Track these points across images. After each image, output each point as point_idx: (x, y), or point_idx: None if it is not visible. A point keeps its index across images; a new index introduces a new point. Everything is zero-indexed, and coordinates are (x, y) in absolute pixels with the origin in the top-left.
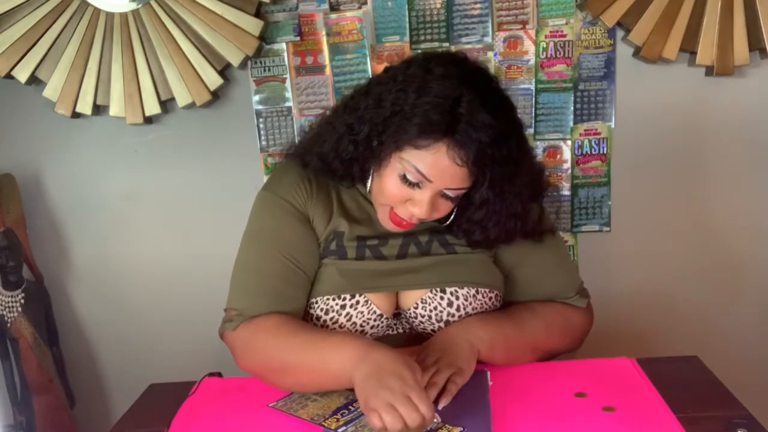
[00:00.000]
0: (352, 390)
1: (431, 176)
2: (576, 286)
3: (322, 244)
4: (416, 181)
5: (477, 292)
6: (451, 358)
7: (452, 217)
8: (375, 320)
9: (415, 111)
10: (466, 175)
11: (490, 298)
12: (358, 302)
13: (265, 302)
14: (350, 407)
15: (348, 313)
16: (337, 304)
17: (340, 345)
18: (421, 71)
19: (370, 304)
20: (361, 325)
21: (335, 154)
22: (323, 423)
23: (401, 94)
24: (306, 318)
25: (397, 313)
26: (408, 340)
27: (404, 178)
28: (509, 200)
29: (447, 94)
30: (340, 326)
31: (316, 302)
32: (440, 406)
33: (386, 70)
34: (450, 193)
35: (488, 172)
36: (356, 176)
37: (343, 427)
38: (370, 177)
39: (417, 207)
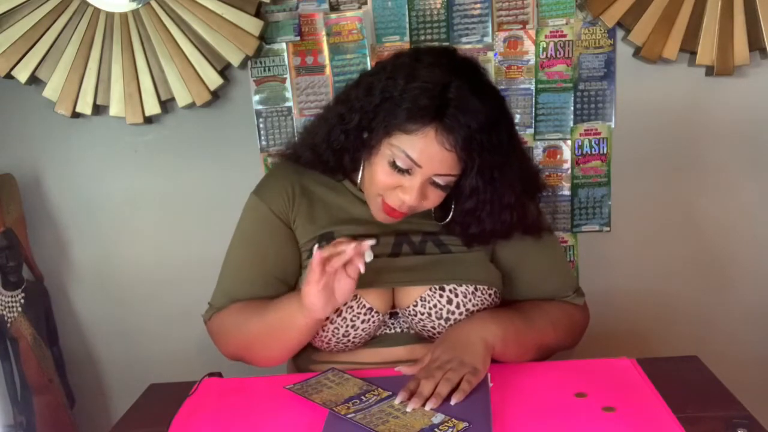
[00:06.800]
0: (365, 380)
1: (420, 161)
2: (573, 285)
3: (308, 246)
4: (406, 167)
5: (476, 289)
6: (466, 357)
7: (450, 215)
8: (365, 314)
9: (404, 96)
10: (455, 161)
11: (489, 295)
12: None
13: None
14: (362, 397)
15: (338, 309)
16: None
17: (282, 300)
18: (410, 60)
19: (360, 299)
20: (351, 320)
21: (327, 145)
22: (334, 408)
23: (390, 81)
24: None
25: (395, 313)
26: (407, 339)
27: (394, 165)
28: (500, 190)
29: (436, 80)
30: (330, 322)
31: None
32: (453, 402)
33: (377, 64)
34: (439, 181)
35: (477, 158)
36: (347, 167)
37: (352, 414)
38: (361, 167)
39: (407, 194)
